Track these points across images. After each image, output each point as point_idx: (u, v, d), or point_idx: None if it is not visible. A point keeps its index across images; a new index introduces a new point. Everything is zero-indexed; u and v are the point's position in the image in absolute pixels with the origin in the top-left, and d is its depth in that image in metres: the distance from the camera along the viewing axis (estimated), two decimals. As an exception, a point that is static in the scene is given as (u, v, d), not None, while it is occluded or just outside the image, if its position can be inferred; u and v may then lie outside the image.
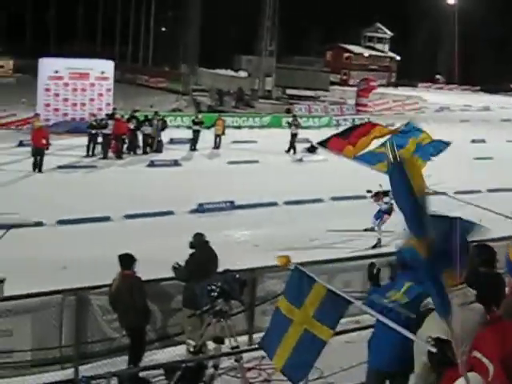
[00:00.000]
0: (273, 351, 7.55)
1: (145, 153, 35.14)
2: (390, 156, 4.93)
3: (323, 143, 12.18)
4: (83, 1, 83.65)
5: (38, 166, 29.48)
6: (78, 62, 41.25)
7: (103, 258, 17.41)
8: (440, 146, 12.09)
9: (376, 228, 22.07)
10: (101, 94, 40.45)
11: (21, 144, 34.11)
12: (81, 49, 69.91)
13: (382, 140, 11.23)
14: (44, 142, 30.07)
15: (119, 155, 33.86)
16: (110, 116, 35.86)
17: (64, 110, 40.01)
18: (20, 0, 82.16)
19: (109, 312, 12.19)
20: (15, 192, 25.12)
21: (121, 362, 12.30)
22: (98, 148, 34.20)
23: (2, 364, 11.66)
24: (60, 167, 30.40)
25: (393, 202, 21.30)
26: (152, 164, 32.44)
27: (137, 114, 36.70)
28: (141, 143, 35.59)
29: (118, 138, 34.11)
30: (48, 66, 40.13)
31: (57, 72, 39.83)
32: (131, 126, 34.98)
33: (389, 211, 21.65)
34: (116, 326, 12.31)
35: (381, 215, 21.99)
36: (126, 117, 36.04)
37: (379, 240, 21.55)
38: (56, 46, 75.79)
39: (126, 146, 34.69)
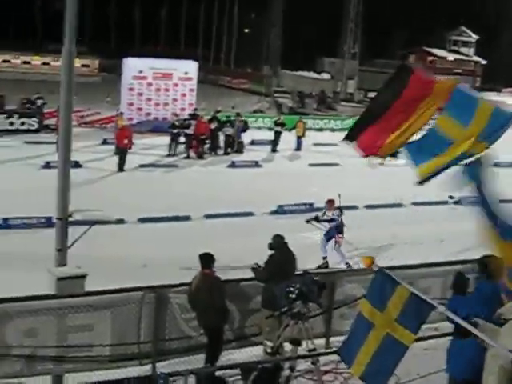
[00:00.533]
0: (352, 359, 7.49)
1: (226, 153, 35.35)
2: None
3: (351, 137, 10.20)
4: (167, 3, 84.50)
5: (119, 165, 29.89)
6: (161, 63, 41.70)
7: (182, 256, 17.59)
8: (504, 119, 9.78)
9: (336, 253, 19.48)
10: (184, 95, 40.82)
11: (104, 142, 34.70)
12: (164, 50, 70.71)
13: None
14: (126, 141, 30.45)
15: (200, 155, 34.14)
16: (193, 116, 36.18)
17: (147, 110, 40.50)
18: (106, 1, 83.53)
19: (187, 310, 12.27)
20: (98, 189, 25.49)
21: (197, 361, 12.38)
22: (180, 148, 34.54)
23: (82, 358, 11.84)
24: (142, 166, 30.78)
25: (341, 218, 19.75)
26: (233, 165, 32.60)
27: (218, 115, 36.92)
28: (222, 144, 35.80)
29: (199, 138, 34.38)
30: (132, 65, 40.66)
31: (141, 72, 40.34)
32: (213, 126, 35.21)
33: (339, 229, 19.58)
34: (194, 325, 12.37)
35: (332, 234, 19.58)
36: (208, 117, 36.31)
37: (347, 264, 19.08)
38: (140, 47, 76.87)
39: (207, 146, 34.94)
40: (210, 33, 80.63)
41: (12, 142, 34.45)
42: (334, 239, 19.66)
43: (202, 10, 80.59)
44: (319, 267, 18.63)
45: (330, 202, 19.75)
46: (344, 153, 35.91)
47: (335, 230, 19.59)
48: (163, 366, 12.26)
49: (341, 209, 19.72)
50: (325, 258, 19.41)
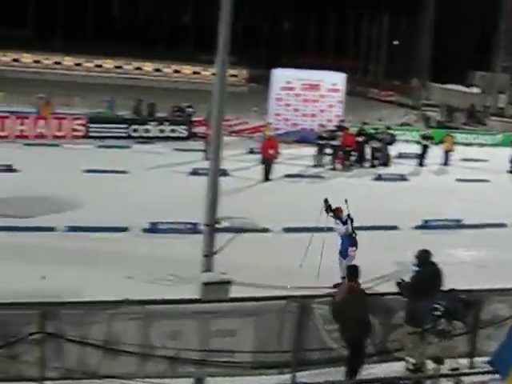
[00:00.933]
0: (507, 371, 7.30)
1: (372, 166, 35.08)
2: None
3: None
4: (316, 15, 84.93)
5: (265, 175, 30.15)
6: (309, 74, 41.79)
7: (326, 267, 17.59)
8: None
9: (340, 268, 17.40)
10: (331, 106, 40.77)
11: (251, 151, 35.09)
12: (312, 61, 70.95)
13: None
14: (271, 152, 30.56)
15: (347, 167, 34.03)
16: (339, 128, 36.12)
17: (294, 120, 40.69)
18: (257, 12, 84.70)
19: (330, 322, 12.23)
20: (244, 198, 25.79)
21: (337, 373, 12.33)
22: (326, 159, 34.55)
23: (223, 362, 11.98)
24: (288, 176, 30.93)
25: (352, 227, 17.96)
26: (379, 177, 32.30)
27: (365, 127, 36.72)
28: (369, 156, 35.58)
29: (345, 150, 34.30)
30: (280, 76, 40.97)
31: (289, 83, 40.61)
32: (360, 138, 35.05)
33: (352, 241, 17.71)
34: (336, 336, 12.32)
35: (346, 247, 17.72)
36: (355, 129, 36.18)
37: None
38: (288, 58, 77.39)
39: (353, 158, 34.78)
40: (359, 44, 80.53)
41: (162, 149, 35.41)
42: (346, 256, 17.59)
43: (352, 22, 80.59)
44: (335, 286, 16.83)
45: (337, 209, 18.20)
46: (493, 169, 35.28)
47: (348, 242, 17.76)
48: (303, 376, 12.28)
49: (350, 216, 18.07)
50: (344, 278, 16.89)
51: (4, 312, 11.20)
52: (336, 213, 18.16)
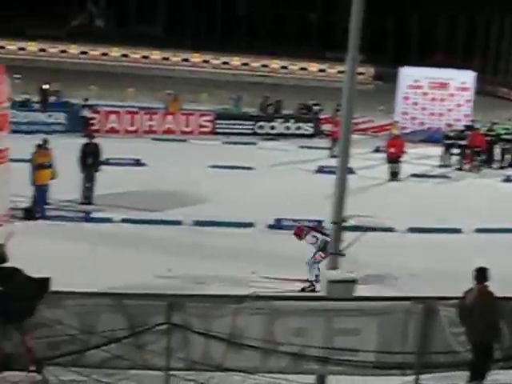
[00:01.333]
0: None
1: (501, 167, 34.23)
2: None
3: None
4: (445, 14, 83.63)
5: (391, 174, 29.86)
6: (438, 72, 41.17)
7: (450, 269, 17.30)
8: None
9: (308, 270, 17.12)
10: (459, 105, 40.03)
11: (377, 150, 34.81)
12: (441, 60, 69.86)
13: None
14: (392, 150, 30.17)
15: (475, 168, 33.31)
16: (468, 127, 35.42)
17: (421, 119, 40.16)
18: (384, 12, 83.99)
19: (456, 324, 11.98)
20: (369, 196, 25.62)
21: (460, 377, 12.09)
22: (453, 159, 33.94)
23: (345, 361, 11.92)
24: (414, 175, 30.56)
25: (322, 239, 17.13)
26: (508, 179, 31.48)
27: (495, 127, 35.86)
28: (498, 157, 34.74)
29: (474, 151, 33.59)
30: (408, 75, 40.48)
31: (416, 81, 40.11)
32: (489, 138, 34.25)
33: (324, 249, 16.62)
34: (462, 340, 12.06)
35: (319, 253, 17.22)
36: (484, 129, 35.39)
37: (312, 284, 16.96)
38: (417, 57, 76.48)
39: (482, 158, 34.00)
40: (489, 44, 78.85)
41: (287, 146, 35.58)
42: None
43: (482, 21, 78.95)
44: (303, 290, 16.92)
45: (296, 235, 17.71)
46: None
47: (324, 248, 16.61)
48: (427, 379, 12.10)
49: (316, 235, 17.46)
50: (311, 281, 17.07)
51: (132, 302, 11.44)
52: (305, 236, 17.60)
